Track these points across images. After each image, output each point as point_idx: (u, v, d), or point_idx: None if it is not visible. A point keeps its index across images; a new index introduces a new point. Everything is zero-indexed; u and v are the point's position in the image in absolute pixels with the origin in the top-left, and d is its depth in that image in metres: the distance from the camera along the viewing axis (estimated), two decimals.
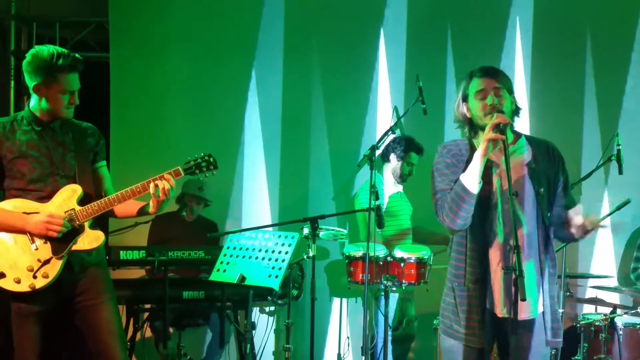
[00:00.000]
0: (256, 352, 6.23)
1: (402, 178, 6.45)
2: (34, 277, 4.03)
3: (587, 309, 6.54)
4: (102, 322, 4.21)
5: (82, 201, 4.17)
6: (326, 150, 7.43)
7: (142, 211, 4.33)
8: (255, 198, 7.47)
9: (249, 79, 7.49)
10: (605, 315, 5.81)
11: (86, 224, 4.15)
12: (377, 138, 6.90)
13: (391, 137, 6.14)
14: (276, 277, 5.24)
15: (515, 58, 7.24)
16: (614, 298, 6.47)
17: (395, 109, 6.62)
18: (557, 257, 4.01)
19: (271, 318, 7.06)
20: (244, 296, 5.72)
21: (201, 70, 7.43)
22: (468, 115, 3.90)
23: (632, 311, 6.01)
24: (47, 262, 4.06)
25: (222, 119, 7.48)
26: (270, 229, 5.87)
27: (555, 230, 3.92)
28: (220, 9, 7.48)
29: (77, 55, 4.18)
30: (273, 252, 5.36)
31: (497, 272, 3.79)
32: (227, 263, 5.44)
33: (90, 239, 4.16)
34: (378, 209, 5.52)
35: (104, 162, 4.48)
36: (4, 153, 4.10)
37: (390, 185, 6.43)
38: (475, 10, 7.36)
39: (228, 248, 5.50)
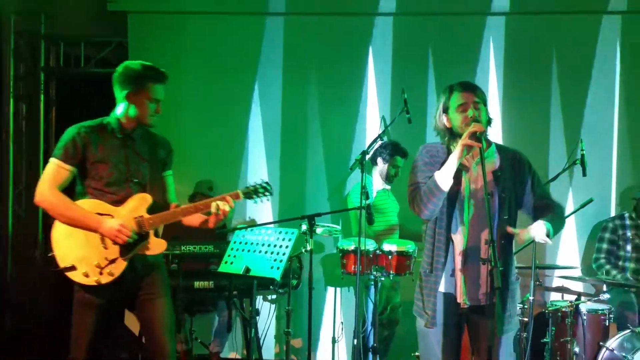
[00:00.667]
0: (260, 336, 6.14)
1: (388, 179, 6.41)
2: (100, 273, 4.00)
3: (554, 296, 6.45)
4: (157, 315, 4.19)
5: (151, 209, 4.13)
6: (321, 155, 7.39)
7: (203, 224, 4.30)
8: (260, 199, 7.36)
9: (252, 92, 7.47)
10: (570, 302, 5.76)
11: (151, 232, 4.11)
12: (367, 144, 6.88)
13: (379, 143, 6.08)
14: (277, 268, 5.22)
15: (489, 73, 7.19)
16: (578, 286, 6.39)
17: (383, 118, 6.59)
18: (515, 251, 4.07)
19: (273, 305, 7.02)
20: (249, 285, 5.69)
21: (210, 84, 7.42)
22: (448, 125, 3.94)
23: (595, 298, 5.95)
24: (113, 261, 4.03)
25: (229, 126, 7.46)
26: (272, 225, 5.78)
27: (535, 217, 3.91)
28: (227, 31, 7.46)
29: (153, 67, 4.18)
30: (275, 246, 5.34)
31: (458, 263, 3.85)
32: (234, 256, 5.44)
33: (153, 246, 4.15)
34: (368, 207, 5.46)
35: (171, 172, 4.44)
36: (88, 155, 4.04)
37: (378, 186, 6.37)
38: (453, 31, 7.31)
39: (235, 242, 5.50)
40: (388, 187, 6.49)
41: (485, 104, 3.92)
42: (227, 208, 4.13)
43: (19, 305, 7.60)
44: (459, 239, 3.86)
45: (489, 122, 3.92)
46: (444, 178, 3.72)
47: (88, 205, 4.04)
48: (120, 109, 4.16)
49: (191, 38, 7.44)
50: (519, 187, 3.92)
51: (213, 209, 4.11)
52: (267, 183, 4.39)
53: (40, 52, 7.83)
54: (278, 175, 7.43)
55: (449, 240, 3.86)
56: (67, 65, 7.88)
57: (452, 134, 3.92)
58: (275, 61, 7.43)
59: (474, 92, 3.89)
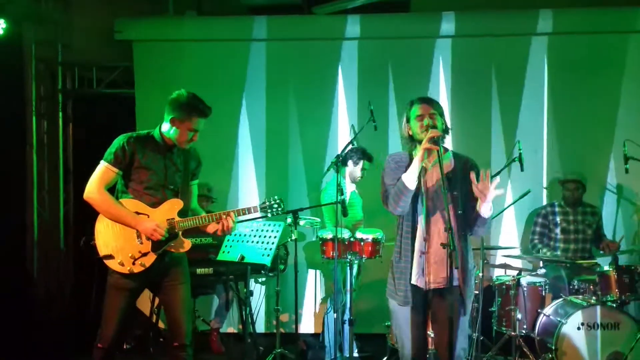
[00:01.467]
0: (252, 313, 6.17)
1: (354, 180, 6.38)
2: (133, 263, 4.05)
3: (498, 272, 6.55)
4: (178, 299, 4.21)
5: (181, 213, 4.16)
6: (300, 158, 7.46)
7: (214, 234, 4.34)
8: (248, 195, 7.47)
9: (240, 107, 7.51)
10: (513, 276, 5.85)
11: (180, 232, 4.15)
12: (339, 149, 6.94)
13: (349, 147, 6.11)
14: (268, 255, 5.35)
15: (439, 87, 7.29)
16: (517, 263, 6.50)
17: (352, 126, 6.60)
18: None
19: (262, 287, 7.03)
20: (243, 271, 5.71)
21: (205, 100, 7.21)
22: (409, 133, 4.00)
23: (533, 273, 6.05)
24: (145, 254, 4.07)
25: (221, 136, 7.43)
26: (260, 219, 5.80)
27: (472, 223, 3.95)
28: (217, 55, 7.51)
29: (202, 102, 4.20)
30: (265, 237, 5.43)
31: (420, 250, 3.88)
32: (230, 246, 5.53)
33: (181, 245, 4.19)
34: (343, 202, 5.50)
35: (197, 181, 4.47)
36: (133, 160, 4.07)
37: (347, 184, 6.36)
38: (409, 51, 7.40)
39: (231, 235, 5.49)
40: (354, 186, 6.47)
41: (441, 115, 3.97)
42: (230, 223, 4.21)
43: (44, 299, 7.55)
44: (421, 230, 3.89)
45: (445, 130, 3.96)
46: (410, 179, 3.77)
47: (129, 204, 4.08)
48: (165, 127, 4.16)
49: (187, 61, 7.45)
50: (467, 188, 3.88)
51: (220, 226, 4.20)
52: (280, 199, 4.40)
53: (58, 76, 7.82)
54: (264, 176, 7.49)
55: (414, 231, 3.89)
56: (82, 86, 7.84)
57: (412, 141, 3.98)
58: (259, 80, 7.48)
59: (430, 105, 3.95)
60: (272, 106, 7.46)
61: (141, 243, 4.07)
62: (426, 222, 3.87)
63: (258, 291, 6.88)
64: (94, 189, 4.02)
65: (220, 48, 7.51)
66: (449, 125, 4.07)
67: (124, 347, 6.11)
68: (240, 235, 5.52)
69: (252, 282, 6.46)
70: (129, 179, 4.11)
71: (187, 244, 4.21)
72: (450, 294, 3.77)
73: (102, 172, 4.05)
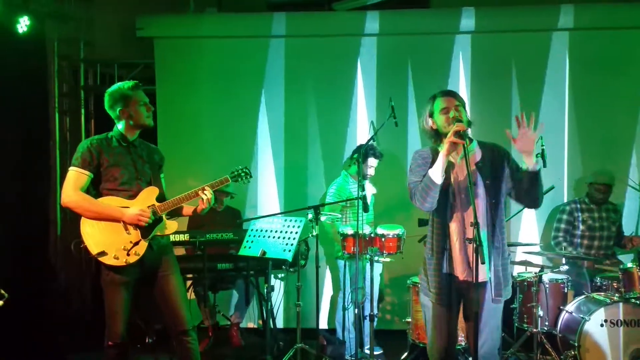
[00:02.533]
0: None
1: (365, 177, 6.26)
2: (128, 254, 4.10)
3: (518, 269, 6.39)
4: (171, 289, 4.29)
5: (158, 199, 4.26)
6: (319, 154, 7.36)
7: (194, 214, 4.49)
8: (267, 191, 7.41)
9: (259, 103, 7.42)
10: (535, 273, 5.71)
11: (164, 215, 4.23)
12: (357, 145, 6.83)
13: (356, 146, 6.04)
14: (289, 251, 5.25)
15: (459, 83, 7.17)
16: (538, 260, 6.36)
17: (372, 123, 6.52)
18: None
19: (282, 282, 6.96)
20: (264, 266, 5.73)
21: (224, 97, 7.37)
22: (434, 127, 3.90)
23: (555, 269, 5.91)
24: (136, 243, 4.14)
25: (241, 132, 7.41)
26: (280, 215, 5.74)
27: (519, 198, 3.93)
28: (237, 52, 7.42)
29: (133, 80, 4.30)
30: (286, 232, 5.35)
31: (455, 245, 3.79)
32: (251, 242, 5.46)
33: (168, 227, 4.30)
34: (364, 197, 5.41)
35: (163, 174, 4.52)
36: (102, 161, 4.13)
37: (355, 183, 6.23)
38: (428, 46, 7.27)
39: (251, 230, 5.52)
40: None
41: (464, 107, 3.89)
42: (209, 195, 4.30)
43: (66, 290, 7.53)
44: (454, 225, 3.80)
45: (469, 122, 3.86)
46: (436, 174, 3.68)
47: (107, 201, 4.14)
48: (120, 125, 4.26)
49: (208, 58, 7.39)
50: (500, 174, 3.86)
51: (203, 196, 4.29)
52: (246, 167, 4.61)
53: (80, 73, 7.78)
54: (283, 171, 7.41)
55: (445, 227, 3.81)
56: (103, 83, 7.76)
57: (437, 135, 3.89)
58: (278, 76, 7.40)
59: (454, 97, 3.87)
60: (291, 102, 7.38)
61: (129, 233, 4.13)
62: (457, 217, 3.79)
63: (277, 286, 6.82)
64: (69, 192, 4.06)
65: (240, 45, 7.43)
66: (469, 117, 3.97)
67: (147, 341, 6.05)
68: (261, 230, 5.45)
69: (271, 277, 6.41)
70: (101, 180, 4.17)
71: (174, 225, 4.31)
72: (478, 288, 3.68)
73: (73, 176, 4.09)
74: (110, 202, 4.12)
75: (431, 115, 3.90)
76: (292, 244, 5.24)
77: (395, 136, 6.76)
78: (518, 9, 7.16)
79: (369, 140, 5.89)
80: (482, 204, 3.78)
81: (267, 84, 7.39)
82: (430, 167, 3.73)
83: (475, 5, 7.12)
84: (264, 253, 5.28)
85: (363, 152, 5.98)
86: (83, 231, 4.11)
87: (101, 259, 4.06)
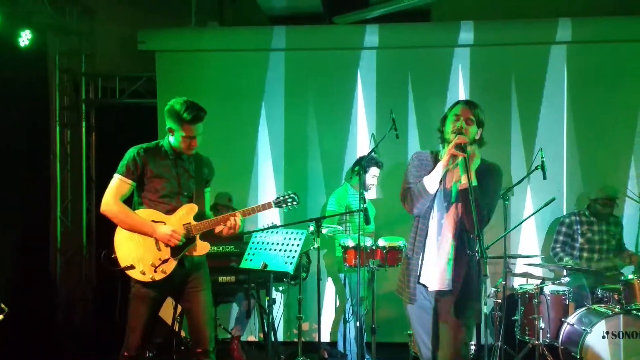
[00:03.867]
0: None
1: (367, 188, 6.26)
2: (155, 271, 4.05)
3: (518, 280, 6.37)
4: (201, 306, 4.20)
5: (196, 217, 4.17)
6: (319, 167, 7.33)
7: (219, 234, 4.31)
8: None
9: (259, 116, 7.39)
10: (536, 285, 5.69)
11: (197, 236, 4.14)
12: (357, 157, 6.82)
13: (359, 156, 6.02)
14: (291, 263, 5.19)
15: (459, 96, 7.13)
16: (539, 272, 6.32)
17: (373, 135, 6.50)
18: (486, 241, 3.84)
19: (283, 295, 6.91)
20: (265, 279, 5.67)
21: (225, 110, 7.30)
22: (443, 129, 3.86)
23: (557, 281, 5.88)
24: (165, 261, 4.07)
25: (241, 145, 7.39)
26: (282, 228, 5.69)
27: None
28: (237, 65, 7.42)
29: (202, 107, 4.13)
30: (288, 245, 5.32)
31: (430, 249, 3.78)
32: (253, 254, 5.43)
33: (200, 248, 4.20)
34: (365, 209, 5.38)
35: (209, 189, 4.44)
36: (146, 171, 4.09)
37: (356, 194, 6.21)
38: (428, 59, 7.27)
39: (253, 243, 5.48)
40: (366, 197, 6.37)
41: (479, 124, 3.79)
42: (238, 222, 4.19)
43: (67, 302, 7.49)
44: (432, 229, 3.79)
45: (480, 143, 3.84)
46: (431, 183, 3.69)
47: (145, 213, 4.08)
48: (170, 137, 4.16)
49: (209, 71, 7.38)
50: (485, 192, 3.74)
51: (228, 223, 4.18)
52: (294, 193, 4.42)
53: (81, 86, 7.77)
54: (283, 184, 7.36)
55: (427, 230, 3.80)
56: (104, 97, 7.80)
57: (442, 138, 3.87)
58: (278, 89, 7.38)
59: (471, 109, 3.78)
60: (291, 115, 7.36)
61: (160, 250, 4.07)
62: (439, 222, 3.77)
63: (278, 299, 6.76)
64: (109, 201, 4.03)
65: (241, 58, 7.42)
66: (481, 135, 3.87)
67: (147, 355, 5.99)
68: (263, 243, 5.42)
69: (272, 290, 6.37)
70: (143, 189, 4.13)
71: (206, 246, 4.22)
72: (454, 296, 3.68)
73: (116, 184, 4.06)
74: (147, 216, 4.07)
75: (445, 118, 3.87)
76: (293, 257, 5.19)
77: (395, 148, 6.73)
78: (516, 23, 7.17)
79: (370, 152, 5.87)
80: (453, 215, 3.76)
81: (267, 96, 7.38)
82: (428, 171, 3.74)
83: (474, 18, 7.12)
84: (266, 266, 5.24)
85: (364, 164, 5.96)
86: (116, 241, 4.09)
87: (128, 272, 4.04)
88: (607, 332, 5.26)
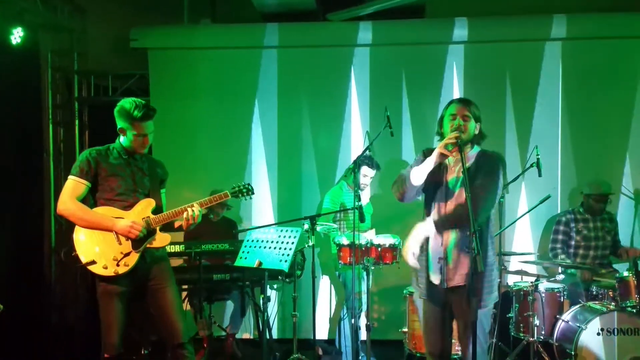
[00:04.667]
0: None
1: (360, 187, 6.24)
2: (117, 265, 4.08)
3: (513, 278, 6.36)
4: (167, 301, 4.25)
5: (154, 211, 4.25)
6: (313, 165, 7.32)
7: (179, 228, 4.42)
8: (261, 202, 7.34)
9: (252, 113, 7.38)
10: (531, 282, 5.70)
11: (157, 228, 4.20)
12: (351, 155, 6.83)
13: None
14: (285, 261, 5.17)
15: (453, 93, 7.12)
16: (533, 269, 6.31)
17: (367, 133, 6.50)
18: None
19: (278, 293, 6.91)
20: (260, 276, 5.68)
21: (218, 108, 7.34)
22: (441, 130, 3.95)
23: (551, 279, 5.89)
24: (127, 254, 4.12)
25: (235, 142, 7.38)
26: (276, 226, 5.69)
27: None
28: (231, 62, 7.40)
29: (151, 106, 4.19)
30: (282, 242, 5.30)
31: (431, 243, 3.87)
32: (247, 252, 5.40)
33: (160, 240, 4.26)
34: (360, 207, 5.37)
35: (164, 190, 4.54)
36: (100, 171, 4.14)
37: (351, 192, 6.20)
38: (422, 57, 7.26)
39: (247, 241, 5.46)
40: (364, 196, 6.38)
41: (476, 119, 3.91)
42: (195, 212, 4.23)
43: (61, 303, 7.47)
44: (438, 229, 3.85)
45: (478, 135, 3.94)
46: (418, 175, 3.78)
47: (102, 211, 4.15)
48: (122, 138, 4.25)
49: (202, 69, 7.37)
50: (488, 182, 3.82)
51: (185, 215, 4.21)
52: (249, 184, 4.54)
53: (74, 84, 7.74)
54: (276, 182, 7.36)
55: (431, 226, 3.85)
56: (97, 95, 7.77)
57: (442, 138, 3.91)
58: (271, 86, 7.36)
59: (466, 107, 3.90)
60: (285, 112, 7.35)
61: (121, 244, 4.12)
62: (443, 217, 3.84)
63: (273, 297, 6.78)
64: (65, 199, 4.10)
65: (234, 55, 7.41)
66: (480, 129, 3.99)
67: (142, 352, 5.99)
68: (257, 241, 5.40)
69: (267, 287, 6.37)
70: (98, 189, 4.18)
71: (166, 238, 4.26)
72: (465, 292, 3.68)
73: (71, 185, 4.13)
74: (105, 212, 4.12)
75: (442, 119, 3.96)
76: (288, 255, 5.18)
77: (389, 146, 6.73)
78: (511, 19, 7.18)
79: (364, 151, 5.86)
80: (453, 206, 3.82)
81: (260, 94, 7.36)
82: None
83: (470, 15, 7.11)
84: (260, 264, 5.22)
85: (358, 162, 5.95)
86: (75, 239, 4.12)
87: (90, 267, 4.07)
88: (602, 329, 5.27)
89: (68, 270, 7.59)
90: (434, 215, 3.88)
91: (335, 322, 6.73)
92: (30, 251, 7.11)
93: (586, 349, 5.27)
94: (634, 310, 5.33)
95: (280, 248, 5.26)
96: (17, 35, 6.32)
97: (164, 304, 4.23)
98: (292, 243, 5.24)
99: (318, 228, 5.70)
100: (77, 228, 4.14)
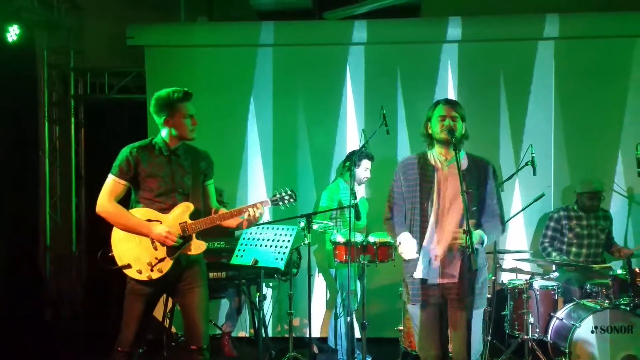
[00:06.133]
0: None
1: (361, 181, 6.21)
2: (151, 270, 4.01)
3: (507, 276, 6.30)
4: (195, 302, 4.12)
5: (193, 215, 4.09)
6: (309, 163, 7.24)
7: (239, 226, 4.32)
8: (257, 199, 7.08)
9: (248, 111, 7.30)
10: (526, 280, 5.66)
11: (194, 235, 4.07)
12: (346, 153, 6.75)
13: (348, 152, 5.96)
14: (281, 259, 5.15)
15: (447, 91, 7.07)
16: (527, 267, 6.28)
17: (363, 131, 6.44)
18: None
19: (274, 291, 6.86)
20: (256, 275, 5.62)
21: (214, 105, 7.20)
22: (429, 131, 3.96)
23: (546, 276, 5.84)
24: (162, 260, 4.02)
25: (230, 140, 7.29)
26: (272, 224, 5.63)
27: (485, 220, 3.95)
28: (227, 60, 7.33)
29: (180, 89, 4.12)
30: (278, 241, 5.28)
31: (433, 250, 3.84)
32: (243, 250, 5.37)
33: (195, 247, 4.12)
34: (356, 205, 5.31)
35: (212, 181, 4.39)
36: (139, 171, 4.04)
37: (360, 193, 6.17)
38: (416, 56, 7.20)
39: (243, 239, 5.42)
40: (360, 192, 6.34)
41: (463, 119, 3.93)
42: (257, 214, 4.14)
43: (57, 299, 7.39)
44: (431, 229, 3.85)
45: (464, 136, 3.95)
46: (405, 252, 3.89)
47: (140, 213, 4.04)
48: (164, 133, 4.12)
49: (198, 66, 7.29)
50: (481, 187, 3.91)
51: (246, 216, 4.13)
52: (292, 190, 4.36)
53: (70, 81, 7.67)
54: (272, 180, 7.28)
55: (423, 228, 3.86)
56: (94, 92, 7.67)
57: (431, 139, 3.97)
58: (267, 85, 7.29)
59: (454, 108, 3.92)
60: (280, 111, 7.28)
61: (156, 249, 4.02)
62: (437, 220, 3.84)
63: (268, 295, 6.71)
64: (104, 201, 4.02)
65: (230, 54, 7.34)
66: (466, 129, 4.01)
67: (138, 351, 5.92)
68: (253, 239, 5.35)
69: (263, 286, 6.31)
70: (139, 188, 4.08)
71: (202, 245, 4.13)
72: (463, 291, 3.69)
73: (110, 185, 4.04)
74: (143, 215, 4.03)
75: (429, 120, 3.96)
76: (284, 253, 5.14)
77: (385, 144, 6.63)
78: (504, 18, 7.13)
79: (360, 148, 5.81)
80: (457, 211, 3.82)
81: (255, 92, 7.28)
82: (413, 179, 3.91)
83: (464, 14, 7.06)
84: (256, 262, 5.18)
85: (355, 159, 5.89)
86: (113, 239, 4.07)
87: (125, 271, 4.02)
88: (596, 327, 5.21)
89: (63, 267, 7.54)
90: (437, 221, 3.85)
91: (327, 320, 6.67)
92: (25, 248, 7.05)
93: (580, 347, 5.22)
94: (628, 308, 5.27)
95: (276, 246, 5.22)
96: (12, 33, 6.27)
97: (191, 306, 4.11)
98: (288, 241, 5.20)
99: (315, 226, 5.65)
100: (115, 229, 4.07)
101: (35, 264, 7.29)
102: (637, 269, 5.38)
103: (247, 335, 7.02)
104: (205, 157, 4.33)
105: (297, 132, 7.25)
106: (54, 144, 7.52)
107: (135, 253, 4.02)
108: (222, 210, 4.22)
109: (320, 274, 6.87)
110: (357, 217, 5.36)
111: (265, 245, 5.26)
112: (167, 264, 4.01)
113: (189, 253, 4.08)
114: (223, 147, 7.22)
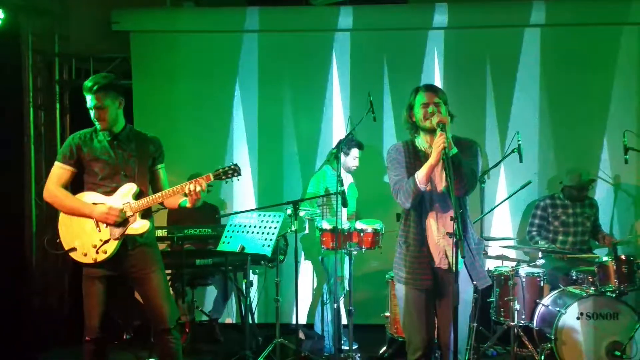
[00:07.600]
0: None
1: (350, 169, 6.13)
2: (97, 252, 4.00)
3: (492, 263, 6.24)
4: (152, 288, 4.10)
5: (137, 196, 4.07)
6: (295, 149, 7.16)
7: (182, 205, 4.15)
8: (242, 187, 7.14)
9: (233, 97, 7.21)
10: (512, 267, 5.60)
11: (137, 214, 4.03)
12: (333, 139, 6.68)
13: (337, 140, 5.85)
14: (268, 246, 5.07)
15: (434, 78, 6.99)
16: (513, 254, 6.21)
17: (350, 118, 6.35)
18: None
19: (260, 278, 6.76)
20: (243, 261, 5.56)
21: (200, 91, 7.15)
22: (413, 119, 3.85)
23: (532, 263, 5.77)
24: (106, 241, 4.01)
25: (216, 127, 7.21)
26: (261, 210, 5.54)
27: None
28: (211, 46, 7.23)
29: (105, 76, 4.08)
30: (265, 227, 5.19)
31: (433, 238, 3.76)
32: (230, 237, 5.29)
33: (139, 226, 4.06)
34: (343, 192, 5.22)
35: (162, 165, 4.33)
36: (83, 156, 4.04)
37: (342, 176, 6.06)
38: (402, 43, 7.10)
39: (230, 225, 5.33)
40: (350, 178, 6.25)
41: (445, 103, 3.81)
42: (198, 189, 3.96)
43: (43, 288, 7.26)
44: (431, 219, 3.78)
45: (451, 118, 3.81)
46: (423, 180, 3.65)
47: (85, 197, 4.06)
48: None
49: (183, 52, 7.18)
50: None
51: (187, 191, 3.96)
52: (235, 165, 4.15)
53: (55, 67, 7.46)
54: (257, 167, 7.21)
55: (420, 216, 3.78)
56: (79, 78, 7.46)
57: (415, 127, 3.86)
58: (252, 71, 7.19)
59: (435, 93, 3.80)
60: (265, 97, 7.18)
61: (100, 231, 4.02)
62: (434, 208, 3.77)
63: (255, 282, 6.64)
64: (49, 187, 4.08)
65: (215, 39, 7.22)
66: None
67: (124, 337, 5.84)
68: (240, 226, 5.26)
69: (250, 272, 6.24)
70: (85, 173, 4.10)
71: (145, 224, 4.07)
72: (453, 279, 3.55)
73: (55, 171, 4.09)
74: (89, 199, 4.02)
75: (411, 107, 3.84)
76: (271, 239, 5.06)
77: (371, 131, 6.55)
78: (490, 5, 7.05)
79: (347, 136, 5.71)
80: (439, 192, 3.78)
81: (241, 78, 7.19)
82: (406, 161, 3.80)
83: (448, 1, 6.96)
84: (243, 248, 5.10)
85: (343, 147, 5.79)
86: (59, 224, 4.10)
87: (71, 254, 4.04)
88: (582, 314, 5.17)
89: (50, 255, 7.38)
90: (435, 210, 3.78)
91: (314, 306, 6.60)
92: (11, 236, 6.91)
93: (566, 333, 5.18)
94: (613, 295, 5.23)
95: (263, 233, 5.14)
96: None
97: (149, 291, 4.09)
98: (275, 228, 5.13)
99: (302, 213, 5.57)
100: (61, 215, 4.09)
101: (21, 251, 7.15)
102: (622, 256, 5.33)
103: (234, 322, 6.94)
104: (154, 141, 4.28)
105: (283, 118, 7.15)
106: (39, 130, 7.34)
107: (79, 236, 4.03)
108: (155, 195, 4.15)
109: (308, 261, 6.78)
110: (344, 204, 5.27)
111: (252, 232, 5.18)
112: (112, 245, 3.99)
113: (133, 233, 4.05)
114: (209, 133, 7.17)
